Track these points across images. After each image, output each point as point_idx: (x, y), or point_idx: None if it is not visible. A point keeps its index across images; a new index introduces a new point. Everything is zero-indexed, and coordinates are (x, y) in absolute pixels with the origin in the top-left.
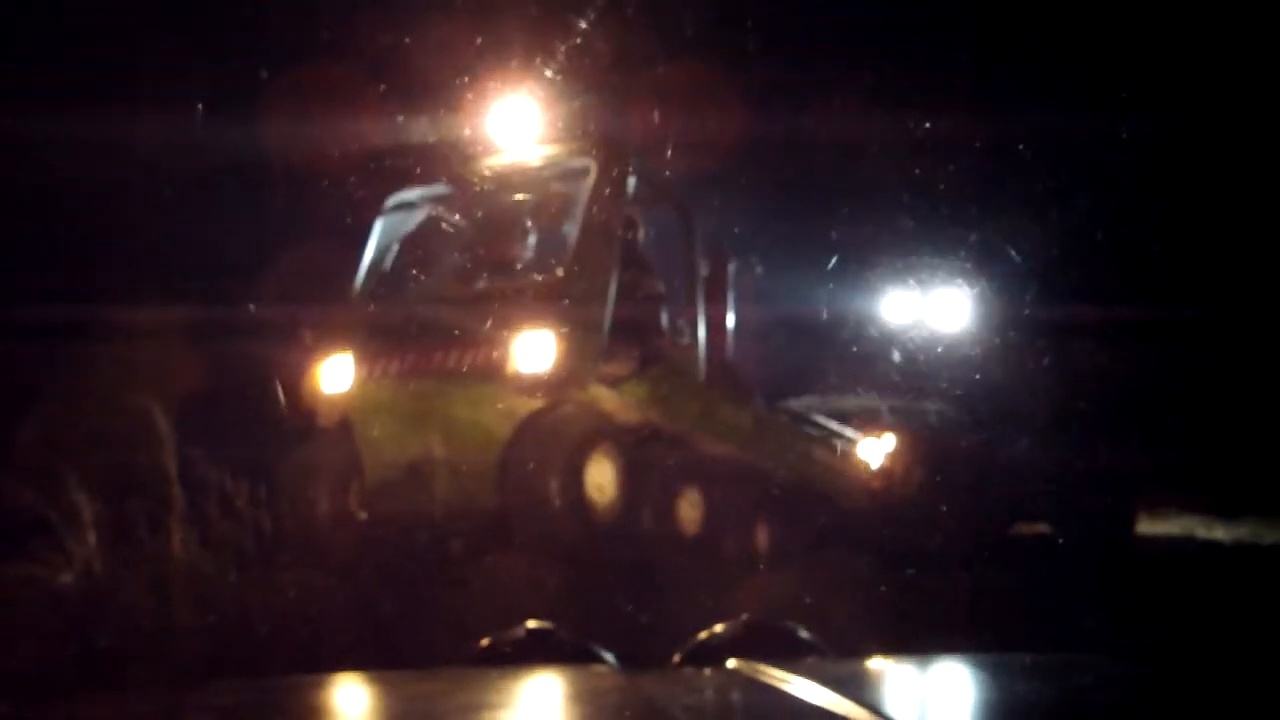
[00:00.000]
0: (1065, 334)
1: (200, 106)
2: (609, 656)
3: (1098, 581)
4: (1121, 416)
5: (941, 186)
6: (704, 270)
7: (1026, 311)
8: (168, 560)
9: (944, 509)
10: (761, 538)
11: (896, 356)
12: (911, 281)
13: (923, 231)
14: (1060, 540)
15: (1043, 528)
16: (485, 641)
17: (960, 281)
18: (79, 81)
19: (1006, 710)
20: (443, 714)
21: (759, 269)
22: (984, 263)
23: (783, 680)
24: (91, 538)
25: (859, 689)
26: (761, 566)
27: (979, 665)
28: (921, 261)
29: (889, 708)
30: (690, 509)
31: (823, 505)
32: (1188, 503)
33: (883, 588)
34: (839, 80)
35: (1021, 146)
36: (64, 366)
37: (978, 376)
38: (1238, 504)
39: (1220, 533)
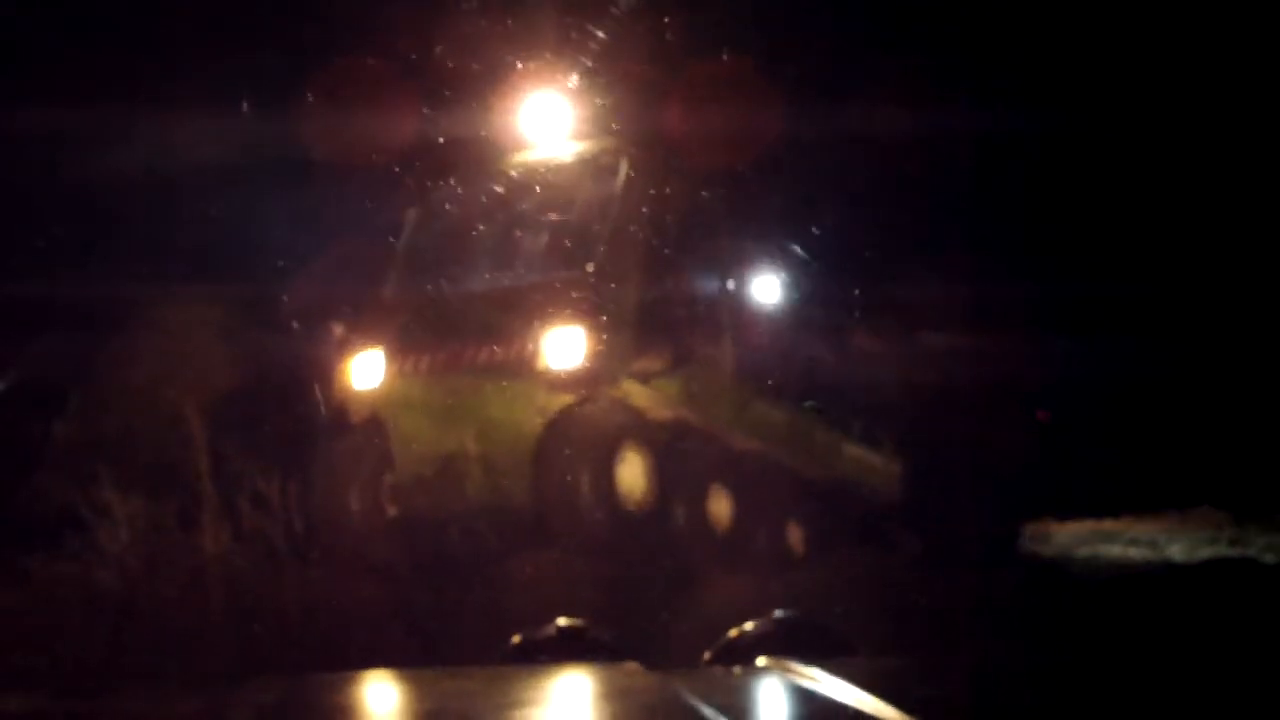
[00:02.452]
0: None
1: (236, 103)
2: (639, 654)
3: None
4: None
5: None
6: (736, 266)
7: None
8: (201, 556)
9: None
10: (792, 535)
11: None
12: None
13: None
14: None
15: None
16: (517, 639)
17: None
18: (115, 78)
19: (1039, 710)
20: (476, 712)
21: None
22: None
23: (813, 679)
24: (126, 534)
25: (890, 687)
26: (792, 563)
27: (1009, 663)
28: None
29: (920, 707)
30: (721, 506)
31: (853, 502)
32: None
33: (913, 585)
34: (872, 76)
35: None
36: (98, 364)
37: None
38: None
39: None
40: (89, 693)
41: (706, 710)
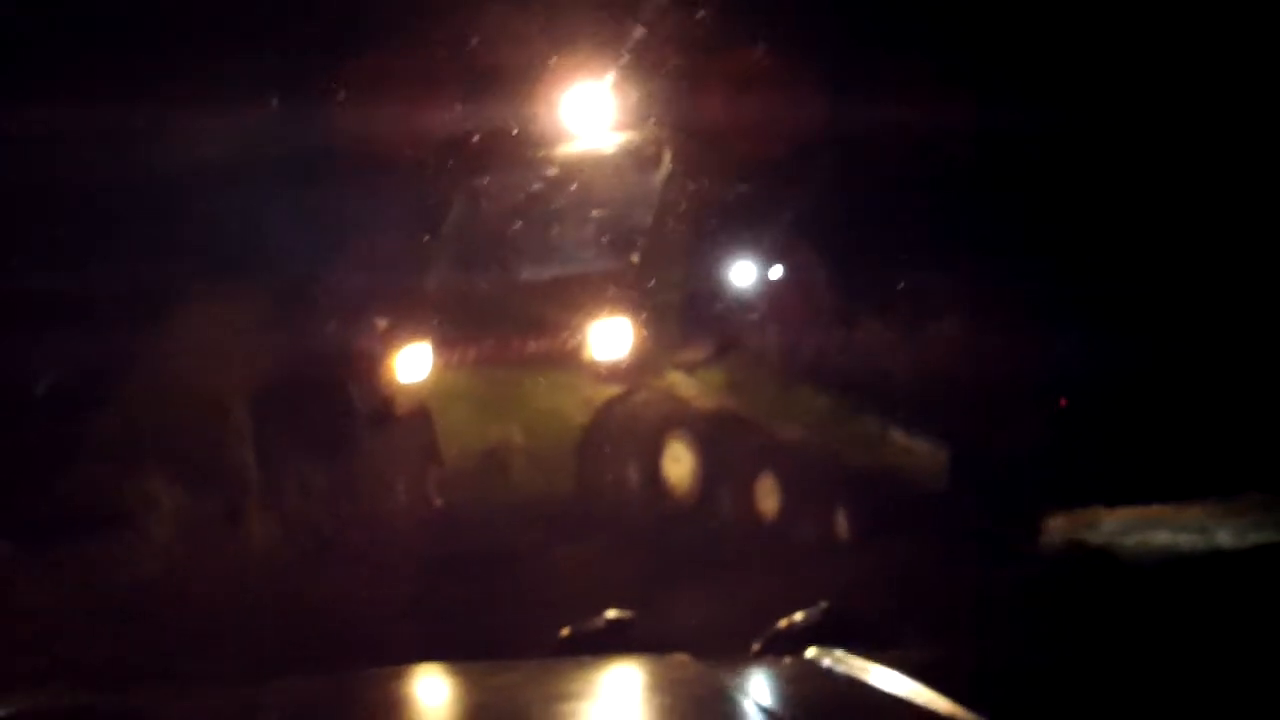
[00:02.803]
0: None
1: (277, 95)
2: (688, 646)
3: None
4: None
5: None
6: (779, 255)
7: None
8: (247, 548)
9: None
10: (838, 523)
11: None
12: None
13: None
14: None
15: None
16: (566, 631)
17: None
18: (156, 69)
19: (1091, 699)
20: (525, 704)
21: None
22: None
23: (861, 669)
24: (172, 526)
25: (939, 677)
26: (838, 552)
27: (1059, 652)
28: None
29: (969, 696)
30: (766, 495)
31: (898, 490)
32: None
33: (959, 573)
34: (914, 65)
35: None
36: (144, 356)
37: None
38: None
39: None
40: (136, 686)
41: (756, 701)
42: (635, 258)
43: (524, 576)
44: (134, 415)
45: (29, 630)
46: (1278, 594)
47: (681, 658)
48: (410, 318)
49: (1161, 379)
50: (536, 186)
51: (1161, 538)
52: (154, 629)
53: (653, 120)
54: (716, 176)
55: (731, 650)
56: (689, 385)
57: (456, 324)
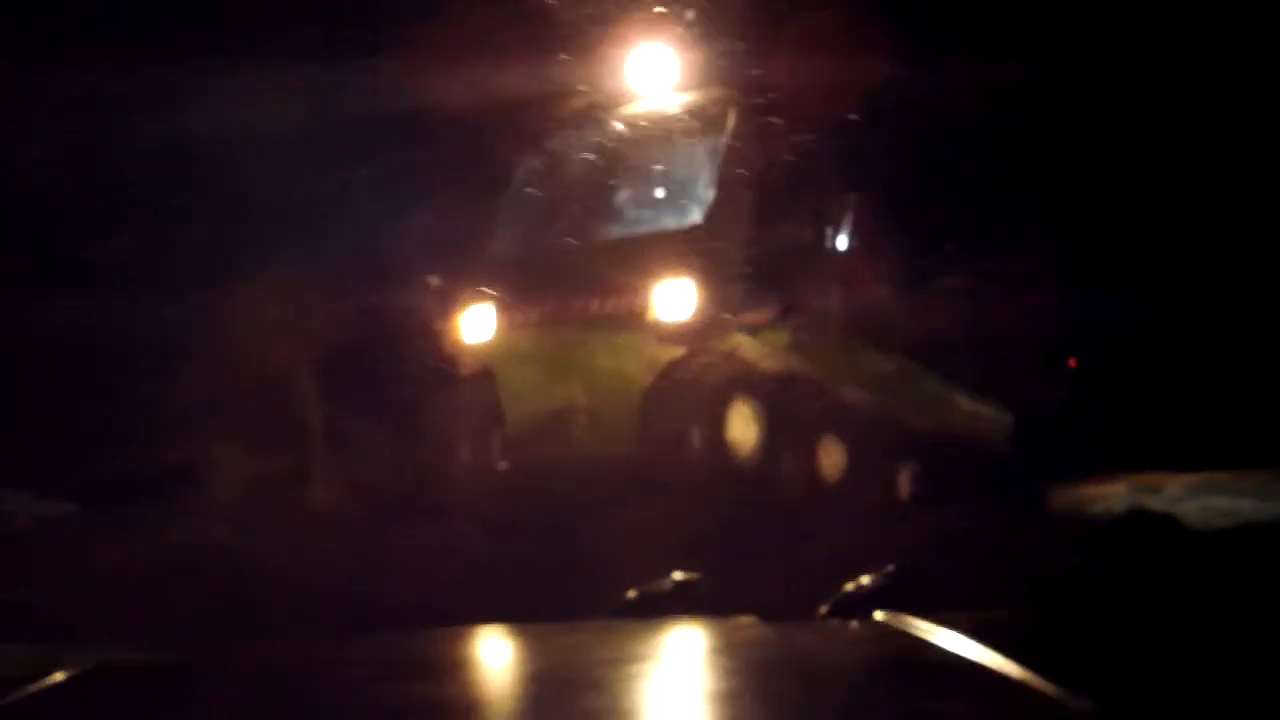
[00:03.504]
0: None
1: (341, 56)
2: (754, 608)
3: None
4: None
5: (1088, 140)
6: (844, 216)
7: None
8: (313, 510)
9: None
10: (904, 486)
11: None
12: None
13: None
14: None
15: None
16: (633, 593)
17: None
18: (217, 33)
19: (1162, 664)
20: (590, 665)
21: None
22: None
23: (929, 632)
24: (238, 489)
25: (1008, 641)
26: (903, 514)
27: (1126, 616)
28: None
29: (1037, 660)
30: (832, 457)
31: (964, 453)
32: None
33: (1024, 537)
34: (982, 23)
35: None
36: (208, 321)
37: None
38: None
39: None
40: (200, 647)
41: (822, 664)
42: (699, 219)
43: (588, 538)
44: (199, 378)
45: (98, 591)
46: None
47: (747, 620)
48: (474, 278)
49: (1223, 341)
50: (602, 146)
51: (1222, 503)
52: (220, 590)
53: (719, 79)
54: (782, 137)
55: (798, 613)
56: (753, 347)
57: (520, 284)
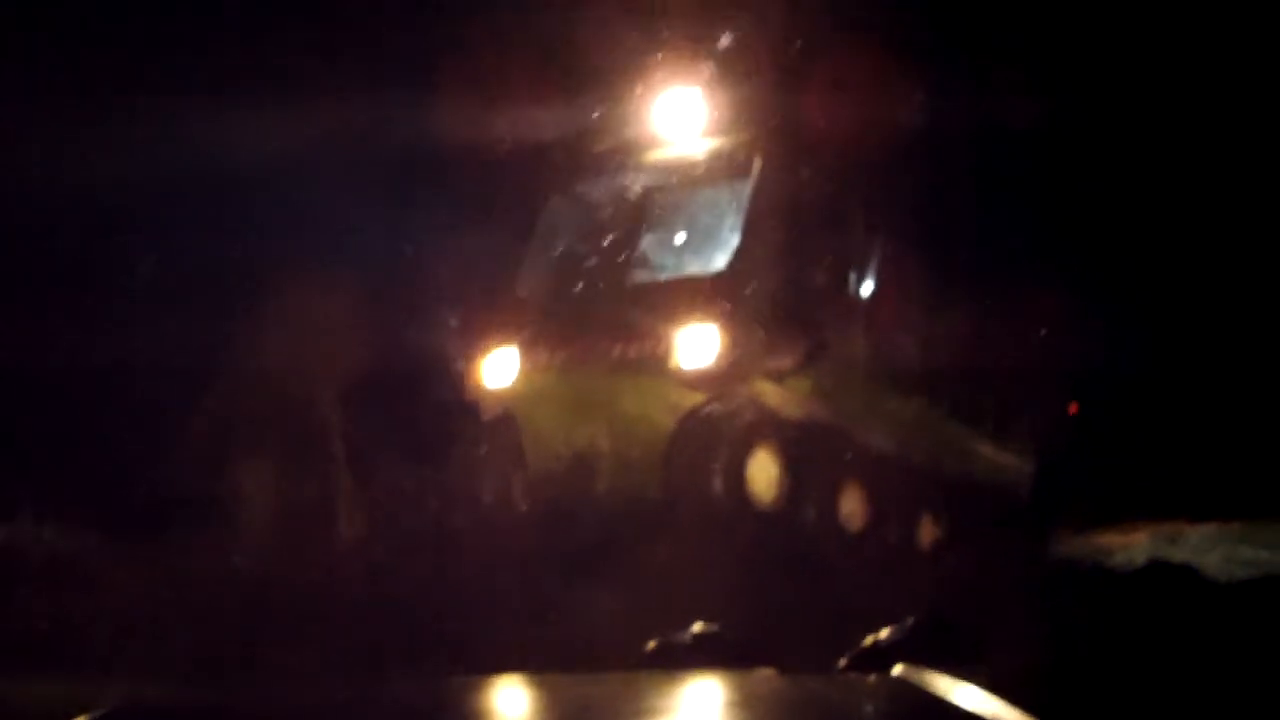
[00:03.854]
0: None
1: (373, 92)
2: (775, 659)
3: None
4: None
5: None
6: (868, 261)
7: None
8: (337, 544)
9: None
10: (926, 533)
11: None
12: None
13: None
14: None
15: None
16: (653, 643)
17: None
18: (254, 63)
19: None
20: (610, 718)
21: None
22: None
23: (948, 687)
24: (263, 520)
25: (1028, 695)
26: (926, 563)
27: (1149, 668)
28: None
29: (1056, 715)
30: (854, 504)
31: (987, 500)
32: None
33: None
34: (1007, 66)
35: None
36: (237, 349)
37: None
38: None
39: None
40: (223, 679)
41: (842, 718)
42: (724, 264)
43: (609, 582)
44: (226, 408)
45: (122, 623)
46: None
47: (768, 672)
48: (500, 319)
49: (1249, 389)
50: (628, 190)
51: (1246, 553)
52: (244, 622)
53: (744, 125)
54: (806, 183)
55: (817, 665)
56: (776, 393)
57: (545, 327)
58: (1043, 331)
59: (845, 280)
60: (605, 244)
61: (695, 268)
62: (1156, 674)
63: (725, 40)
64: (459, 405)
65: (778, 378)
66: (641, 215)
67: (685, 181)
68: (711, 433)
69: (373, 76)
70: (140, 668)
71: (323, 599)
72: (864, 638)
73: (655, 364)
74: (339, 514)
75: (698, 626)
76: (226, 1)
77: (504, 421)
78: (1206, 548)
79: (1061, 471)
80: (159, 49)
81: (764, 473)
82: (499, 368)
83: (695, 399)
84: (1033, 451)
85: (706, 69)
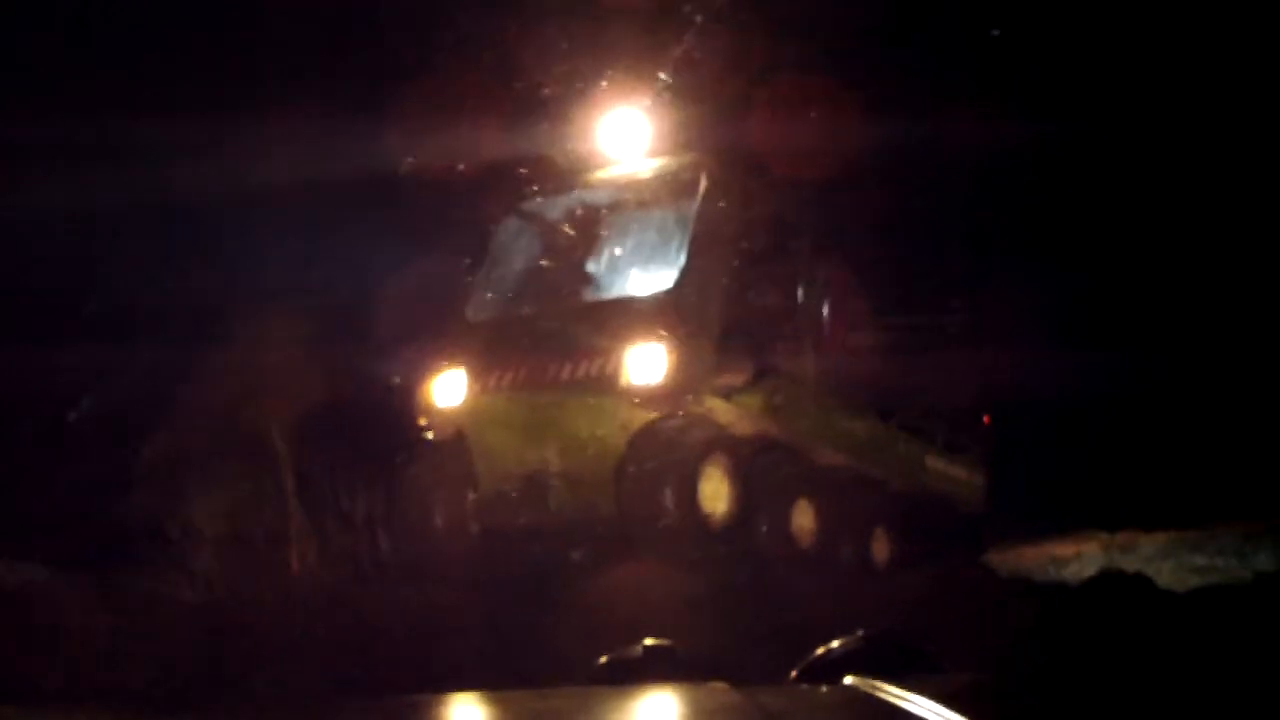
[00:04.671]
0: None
1: (321, 119)
2: (726, 673)
3: None
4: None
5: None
6: (816, 279)
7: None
8: (288, 573)
9: None
10: (879, 547)
11: None
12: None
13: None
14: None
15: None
16: (604, 659)
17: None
18: (199, 92)
19: None
20: None
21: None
22: None
23: (901, 698)
24: (212, 552)
25: (980, 707)
26: (878, 576)
27: (1098, 679)
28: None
29: None
30: (805, 519)
31: (938, 514)
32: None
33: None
34: (948, 87)
35: None
36: (186, 382)
37: None
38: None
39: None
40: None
41: None
42: (672, 283)
43: (562, 601)
44: (177, 442)
45: (75, 655)
46: None
47: (719, 686)
48: (449, 342)
49: (1196, 398)
50: (576, 212)
51: (1198, 561)
52: (198, 653)
53: (691, 144)
54: (754, 202)
55: (770, 678)
56: (727, 410)
57: (495, 348)
58: (988, 345)
59: (794, 298)
60: (554, 265)
61: (644, 287)
62: (1109, 683)
63: (672, 63)
64: (410, 430)
65: (728, 395)
66: (590, 236)
67: (633, 202)
68: (663, 451)
69: (320, 105)
70: (95, 699)
71: (277, 626)
72: (815, 650)
73: (605, 383)
74: (291, 542)
75: (648, 641)
76: (175, 33)
77: (455, 443)
78: (1159, 557)
79: (1013, 483)
80: (110, 81)
81: (715, 489)
82: (449, 390)
83: (646, 417)
84: (984, 464)
85: (653, 91)
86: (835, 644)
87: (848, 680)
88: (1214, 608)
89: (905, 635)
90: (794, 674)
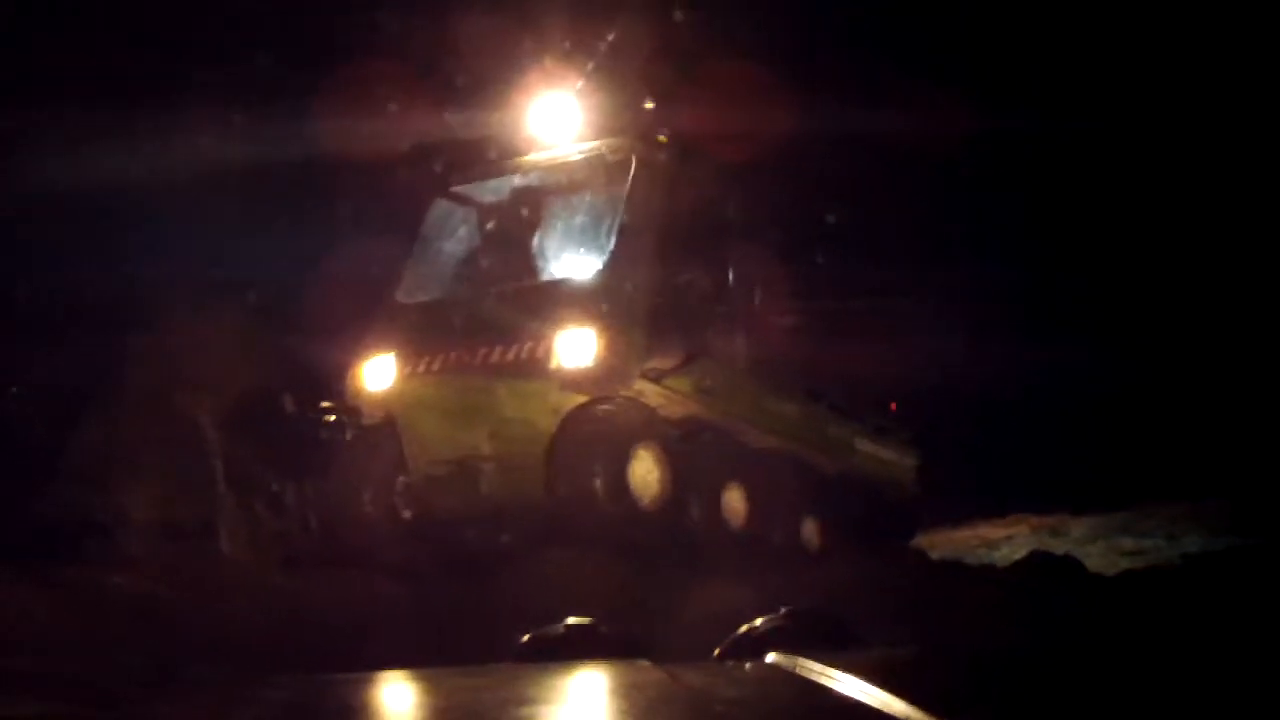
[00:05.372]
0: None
1: (249, 106)
2: (651, 651)
3: None
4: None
5: (984, 184)
6: (746, 262)
7: None
8: (218, 559)
9: None
10: (807, 530)
11: None
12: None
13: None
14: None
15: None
16: (526, 638)
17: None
18: (132, 82)
19: (1053, 703)
20: (484, 710)
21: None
22: None
23: (823, 673)
24: (143, 539)
25: (902, 681)
26: (807, 558)
27: (1023, 656)
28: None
29: (932, 701)
30: (735, 502)
31: (868, 496)
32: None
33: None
34: (879, 73)
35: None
36: (114, 369)
37: None
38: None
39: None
40: (105, 697)
41: (716, 707)
42: (602, 267)
43: (492, 584)
44: (106, 427)
45: (5, 644)
46: (1252, 599)
47: (643, 664)
48: (379, 326)
49: (1126, 383)
50: (505, 195)
51: (1128, 543)
52: (129, 641)
53: (620, 127)
54: (684, 183)
55: (695, 656)
56: (657, 393)
57: (424, 332)
58: (919, 330)
59: (724, 281)
60: (484, 248)
61: (574, 270)
62: (1034, 660)
63: (603, 46)
64: (340, 414)
65: (658, 379)
66: (520, 219)
67: (563, 185)
68: (593, 434)
69: (249, 91)
70: (23, 688)
71: (208, 612)
72: (738, 629)
73: (536, 367)
74: (222, 529)
75: (571, 620)
76: (101, 18)
77: (385, 427)
78: (1089, 539)
79: (943, 465)
80: (40, 72)
81: (646, 473)
82: (379, 374)
83: (576, 401)
84: (913, 447)
85: (584, 75)
86: (759, 621)
87: (770, 657)
88: (1143, 589)
89: (828, 612)
90: (717, 651)
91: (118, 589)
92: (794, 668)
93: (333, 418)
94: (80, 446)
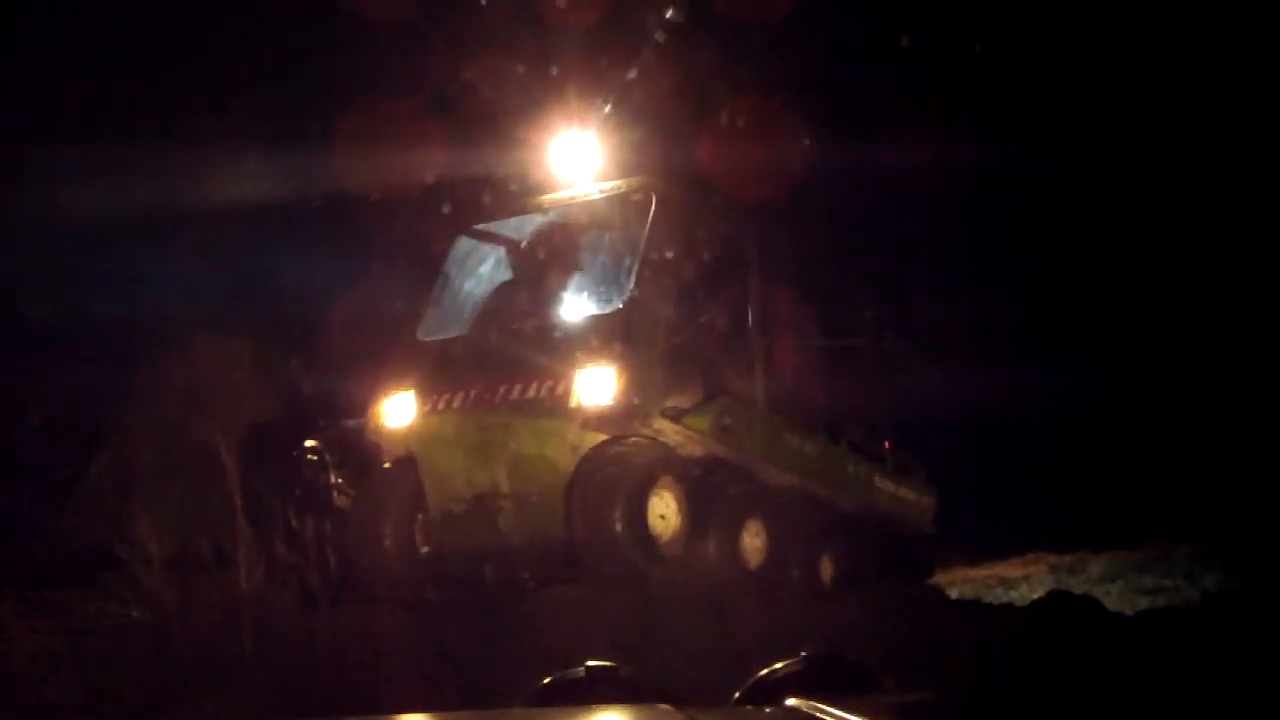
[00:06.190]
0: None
1: (272, 141)
2: (671, 694)
3: None
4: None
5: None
6: (766, 301)
7: None
8: (235, 594)
9: None
10: (828, 569)
11: None
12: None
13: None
14: None
15: None
16: (547, 680)
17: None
18: (154, 114)
19: None
20: None
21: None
22: None
23: (842, 719)
24: (159, 572)
25: None
26: (826, 598)
27: (1038, 700)
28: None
29: None
30: (754, 541)
31: (887, 535)
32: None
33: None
34: (896, 111)
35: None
36: (132, 400)
37: None
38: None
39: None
40: None
41: None
42: (622, 304)
43: (510, 624)
44: (123, 458)
45: (17, 676)
46: (1272, 639)
47: (663, 708)
48: (399, 362)
49: (1146, 420)
50: (525, 233)
51: (1147, 582)
52: (141, 675)
53: (640, 166)
54: (704, 222)
55: (714, 700)
56: (676, 432)
57: (445, 369)
58: (939, 368)
59: (743, 319)
60: (504, 286)
61: (594, 308)
62: (1056, 704)
63: (623, 85)
64: (359, 450)
65: (677, 417)
66: (540, 257)
67: (583, 223)
68: (612, 472)
69: (274, 126)
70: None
71: (224, 647)
72: (757, 673)
73: (555, 405)
74: (239, 562)
75: (591, 663)
76: (124, 50)
77: (404, 465)
78: (1108, 578)
79: (962, 503)
80: (60, 101)
81: (664, 511)
82: (399, 411)
83: (595, 439)
84: (932, 485)
85: (604, 114)
86: (778, 665)
87: (790, 702)
88: (1163, 629)
89: (848, 656)
90: (737, 695)
91: (132, 621)
92: (813, 713)
93: (352, 453)
94: (96, 477)
